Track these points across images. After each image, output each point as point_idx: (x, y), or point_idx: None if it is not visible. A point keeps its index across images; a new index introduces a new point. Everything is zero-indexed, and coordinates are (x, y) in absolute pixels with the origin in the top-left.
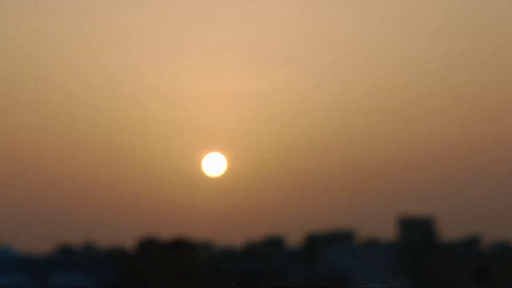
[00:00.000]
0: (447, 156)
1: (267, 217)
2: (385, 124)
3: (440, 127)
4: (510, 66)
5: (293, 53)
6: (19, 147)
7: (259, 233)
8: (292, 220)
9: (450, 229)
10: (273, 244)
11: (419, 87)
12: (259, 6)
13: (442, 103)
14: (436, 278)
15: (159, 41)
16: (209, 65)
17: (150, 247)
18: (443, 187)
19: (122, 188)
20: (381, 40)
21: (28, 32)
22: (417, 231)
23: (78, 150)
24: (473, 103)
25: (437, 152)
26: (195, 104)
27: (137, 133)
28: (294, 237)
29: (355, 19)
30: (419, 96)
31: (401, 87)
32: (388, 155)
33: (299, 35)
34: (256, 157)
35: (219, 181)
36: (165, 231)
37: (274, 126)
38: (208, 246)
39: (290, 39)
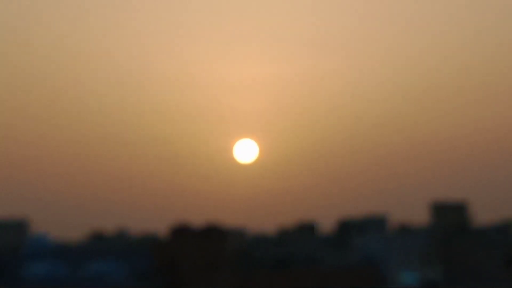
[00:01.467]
0: (480, 141)
1: (299, 203)
2: (415, 108)
3: (472, 111)
4: None
5: (322, 39)
6: (53, 136)
7: (291, 220)
8: (324, 206)
9: (483, 215)
10: (306, 230)
11: (447, 70)
12: None
13: (472, 86)
14: (468, 264)
15: (193, 32)
16: (240, 53)
17: (182, 234)
18: (476, 172)
19: (155, 175)
20: (405, 26)
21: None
22: (449, 216)
23: (112, 139)
24: (507, 87)
25: (470, 137)
26: (226, 91)
27: (170, 121)
28: (327, 223)
29: (380, 5)
30: (446, 79)
31: (429, 70)
32: (420, 140)
33: (327, 22)
34: (288, 143)
35: (251, 167)
36: (198, 218)
37: (305, 112)
38: (240, 232)
39: (318, 25)
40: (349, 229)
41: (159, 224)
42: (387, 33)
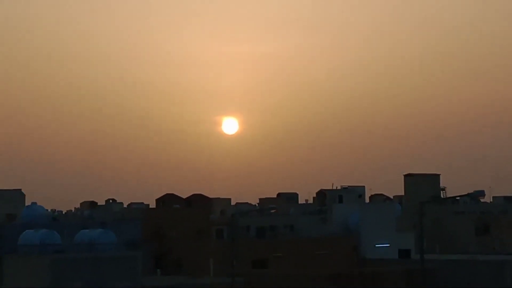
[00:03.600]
0: (452, 117)
1: (281, 175)
2: (392, 87)
3: (444, 92)
4: None
5: (302, 18)
6: (50, 116)
7: (273, 190)
8: (305, 178)
9: (454, 186)
10: (287, 200)
11: (428, 52)
12: None
13: (447, 67)
14: (441, 232)
15: (180, 13)
16: (224, 32)
17: (169, 203)
18: (449, 146)
19: (144, 149)
20: (387, 8)
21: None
22: (422, 187)
23: (105, 116)
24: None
25: (442, 114)
26: (211, 69)
27: (159, 99)
28: (306, 194)
29: None
30: (427, 61)
31: (410, 51)
32: (396, 116)
33: (307, 1)
34: (270, 117)
35: (234, 141)
36: (184, 188)
37: (285, 88)
38: (224, 202)
39: (299, 5)
40: (328, 199)
41: (148, 194)
42: (364, 15)
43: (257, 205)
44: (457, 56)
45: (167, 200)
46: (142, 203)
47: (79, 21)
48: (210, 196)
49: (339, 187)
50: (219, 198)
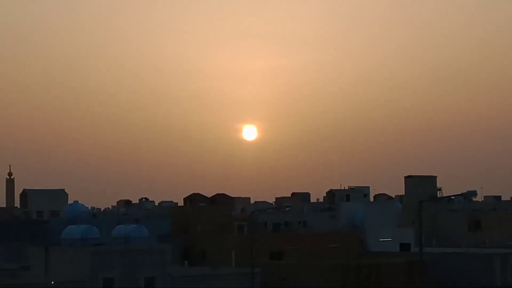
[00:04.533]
0: (448, 124)
1: (295, 176)
2: (395, 97)
3: (441, 100)
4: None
5: (314, 36)
6: (87, 123)
7: (287, 190)
8: (316, 179)
9: (449, 187)
10: (300, 199)
11: (429, 62)
12: None
13: (449, 77)
14: (437, 228)
15: (206, 30)
16: (246, 48)
17: (195, 201)
18: (445, 150)
19: (173, 154)
20: (392, 23)
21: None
22: (421, 187)
23: (137, 124)
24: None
25: (439, 121)
26: (232, 82)
27: (191, 109)
28: (318, 193)
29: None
30: (427, 70)
31: (413, 60)
32: (397, 124)
33: (321, 20)
34: (285, 125)
35: (253, 147)
36: (209, 189)
37: (299, 99)
38: (244, 200)
39: (312, 24)
40: (336, 198)
41: (177, 194)
42: (371, 31)
43: (273, 203)
44: (451, 62)
45: (194, 199)
46: (171, 201)
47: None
48: (232, 195)
49: (346, 187)
50: (239, 197)
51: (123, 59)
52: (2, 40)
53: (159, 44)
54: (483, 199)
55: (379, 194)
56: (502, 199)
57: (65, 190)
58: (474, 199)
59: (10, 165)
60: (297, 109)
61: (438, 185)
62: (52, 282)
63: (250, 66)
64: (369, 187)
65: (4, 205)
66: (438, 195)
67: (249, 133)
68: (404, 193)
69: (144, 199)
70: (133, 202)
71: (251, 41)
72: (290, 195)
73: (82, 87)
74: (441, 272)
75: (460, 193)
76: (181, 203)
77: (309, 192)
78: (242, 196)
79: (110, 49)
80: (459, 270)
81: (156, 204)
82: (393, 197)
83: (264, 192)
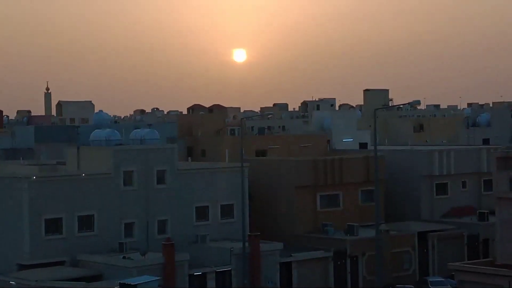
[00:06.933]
0: (396, 45)
1: (276, 90)
2: (356, 20)
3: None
4: None
5: None
6: (111, 46)
7: (270, 101)
8: (293, 92)
9: (398, 97)
10: (280, 108)
11: None
12: None
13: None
14: (388, 130)
15: None
16: None
17: (197, 110)
18: (394, 67)
19: (179, 72)
20: None
21: None
22: (376, 98)
23: (150, 48)
24: None
25: (389, 43)
26: (226, 14)
27: (191, 36)
28: (294, 103)
29: None
30: None
31: None
32: (357, 45)
33: None
34: (269, 50)
35: (243, 65)
36: (207, 100)
37: (281, 26)
38: (236, 110)
39: None
40: (309, 107)
41: (181, 104)
42: None
43: (258, 112)
44: None
45: (195, 108)
46: (177, 110)
47: None
48: (226, 106)
49: (317, 99)
50: (232, 107)
51: None
52: None
53: None
54: (425, 107)
55: (343, 104)
56: (441, 107)
57: (92, 102)
58: (418, 107)
59: (47, 82)
60: (279, 35)
61: (390, 96)
62: (83, 174)
63: (240, 1)
64: (335, 98)
65: (43, 114)
66: (390, 104)
67: (240, 56)
68: (363, 103)
69: (155, 109)
70: (146, 111)
71: None
72: (272, 105)
73: (109, 16)
74: (392, 165)
75: (407, 102)
76: (185, 112)
77: (287, 103)
78: (233, 106)
79: None
80: (406, 163)
81: (165, 112)
82: (354, 106)
83: (251, 103)
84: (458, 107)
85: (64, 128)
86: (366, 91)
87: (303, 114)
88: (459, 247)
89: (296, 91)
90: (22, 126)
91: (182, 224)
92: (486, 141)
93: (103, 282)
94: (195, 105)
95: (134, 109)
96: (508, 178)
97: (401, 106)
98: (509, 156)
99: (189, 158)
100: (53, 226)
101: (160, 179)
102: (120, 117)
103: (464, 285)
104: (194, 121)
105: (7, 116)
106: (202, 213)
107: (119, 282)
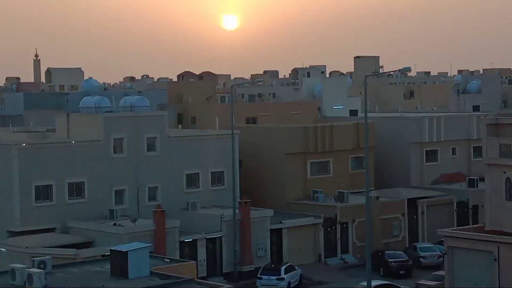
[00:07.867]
0: (386, 12)
1: (267, 57)
2: None
3: None
4: None
5: None
6: (102, 13)
7: (261, 68)
8: (283, 59)
9: (389, 64)
10: (270, 75)
11: None
12: None
13: None
14: (379, 96)
15: None
16: None
17: (187, 77)
18: (384, 34)
19: (170, 39)
20: None
21: None
22: (367, 65)
23: (139, 17)
24: None
25: (379, 10)
26: None
27: (181, 2)
28: (284, 71)
29: None
30: None
31: None
32: (348, 12)
33: None
34: (260, 16)
35: (234, 32)
36: (198, 67)
37: None
38: (226, 77)
39: None
40: (299, 75)
41: (171, 71)
42: None
43: (249, 79)
44: None
45: (185, 76)
46: (167, 77)
47: None
48: (216, 73)
49: (307, 66)
50: (222, 74)
51: None
52: None
53: None
54: (416, 74)
55: (334, 71)
56: (431, 74)
57: (81, 69)
58: (408, 74)
59: (36, 48)
60: (269, 2)
61: (380, 63)
62: (73, 142)
63: None
64: (325, 65)
65: (33, 81)
66: (380, 71)
67: (230, 22)
68: (353, 70)
69: (145, 76)
70: (136, 78)
71: None
72: (262, 72)
73: None
74: (382, 132)
75: (397, 69)
76: (175, 79)
77: (278, 70)
78: (224, 73)
79: None
80: (396, 130)
81: (155, 80)
82: (345, 73)
83: (242, 70)
84: (449, 74)
85: (53, 95)
86: (356, 58)
87: (293, 81)
88: (448, 214)
89: (287, 58)
90: (11, 93)
91: (173, 191)
92: (476, 108)
93: (94, 249)
94: (185, 72)
95: (124, 76)
96: (497, 144)
97: (392, 73)
98: (499, 123)
99: (179, 125)
100: (44, 193)
101: (150, 146)
102: (110, 84)
103: (453, 251)
104: (184, 88)
105: None
106: (192, 180)
107: (110, 249)
